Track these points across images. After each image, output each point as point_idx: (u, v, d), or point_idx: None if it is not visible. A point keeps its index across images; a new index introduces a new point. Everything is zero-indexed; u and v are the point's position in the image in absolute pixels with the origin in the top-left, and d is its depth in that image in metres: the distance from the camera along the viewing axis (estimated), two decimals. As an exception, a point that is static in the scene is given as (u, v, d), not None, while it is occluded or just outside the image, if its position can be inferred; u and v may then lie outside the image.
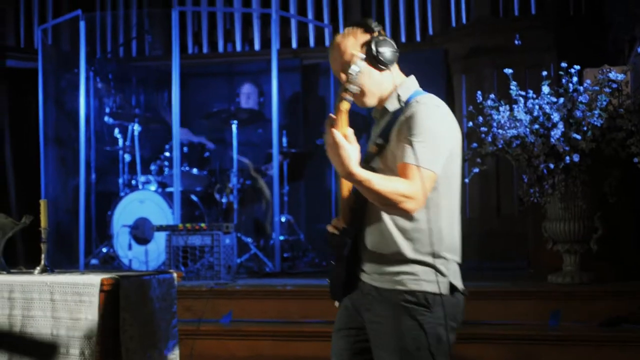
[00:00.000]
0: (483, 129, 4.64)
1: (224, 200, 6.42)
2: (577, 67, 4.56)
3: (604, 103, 4.44)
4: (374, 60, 2.33)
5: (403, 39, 7.41)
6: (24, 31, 7.80)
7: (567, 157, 4.42)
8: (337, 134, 2.13)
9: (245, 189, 6.54)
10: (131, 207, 6.25)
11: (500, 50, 6.48)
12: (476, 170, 4.79)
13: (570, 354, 4.07)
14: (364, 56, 2.14)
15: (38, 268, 3.12)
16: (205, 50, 7.97)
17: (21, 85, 7.41)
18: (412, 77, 2.44)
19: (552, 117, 4.47)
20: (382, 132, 2.34)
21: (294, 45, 7.72)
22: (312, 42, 7.68)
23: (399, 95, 2.32)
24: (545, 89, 4.58)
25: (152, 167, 6.53)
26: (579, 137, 4.40)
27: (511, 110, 4.59)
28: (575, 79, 4.53)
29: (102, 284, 2.88)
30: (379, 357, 2.34)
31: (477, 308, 4.36)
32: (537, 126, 4.52)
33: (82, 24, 6.31)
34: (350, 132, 2.16)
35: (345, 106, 2.16)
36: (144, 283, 3.08)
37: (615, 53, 6.21)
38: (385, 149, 2.30)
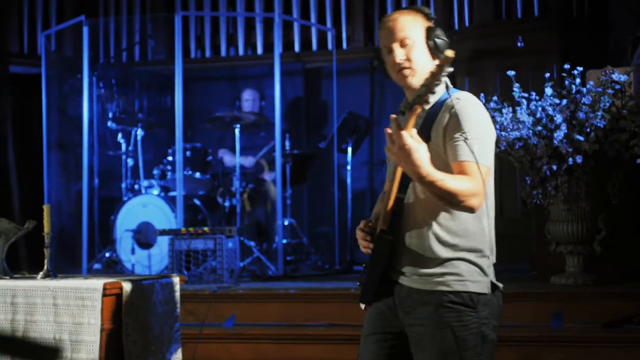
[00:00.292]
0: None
1: (227, 204, 6.43)
2: (580, 68, 4.55)
3: (607, 104, 4.43)
4: (432, 44, 2.33)
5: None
6: (27, 37, 7.82)
7: (570, 159, 4.42)
8: (409, 137, 2.06)
9: (248, 192, 6.54)
10: (134, 211, 6.26)
11: (503, 52, 6.48)
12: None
13: (573, 355, 4.06)
14: (452, 54, 2.04)
15: (41, 273, 3.12)
16: (208, 54, 7.98)
17: (24, 91, 7.43)
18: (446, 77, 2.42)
19: (555, 118, 4.46)
20: (421, 129, 2.28)
21: (297, 49, 7.73)
22: (314, 46, 7.69)
23: (447, 86, 2.23)
24: (548, 90, 4.57)
25: (155, 172, 6.54)
26: (582, 138, 4.40)
27: (514, 112, 4.59)
28: (578, 80, 4.53)
29: (105, 289, 2.89)
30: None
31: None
32: (540, 128, 4.51)
33: (85, 30, 6.32)
34: (414, 131, 2.10)
35: (420, 110, 2.11)
36: (147, 287, 3.09)
37: (618, 54, 6.20)
38: (427, 147, 2.23)
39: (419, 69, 2.33)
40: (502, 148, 4.62)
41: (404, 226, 2.31)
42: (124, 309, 2.93)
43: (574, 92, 4.52)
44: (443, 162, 2.23)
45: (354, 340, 4.20)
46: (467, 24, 7.13)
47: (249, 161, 6.73)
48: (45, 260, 3.14)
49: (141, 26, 8.03)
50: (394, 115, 2.09)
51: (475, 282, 2.28)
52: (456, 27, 7.24)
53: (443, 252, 2.28)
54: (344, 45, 7.63)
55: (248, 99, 6.80)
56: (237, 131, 6.37)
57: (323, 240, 7.06)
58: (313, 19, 7.65)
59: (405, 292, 2.33)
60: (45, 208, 3.13)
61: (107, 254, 6.41)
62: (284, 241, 6.32)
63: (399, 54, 2.33)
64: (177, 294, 3.27)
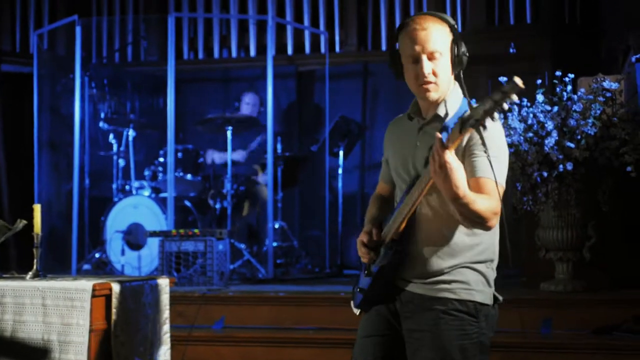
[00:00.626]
0: (477, 136, 4.64)
1: (217, 206, 6.42)
2: (572, 75, 4.57)
3: (598, 112, 4.45)
4: (456, 60, 2.32)
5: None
6: (19, 36, 7.80)
7: (561, 166, 4.43)
8: (452, 156, 2.05)
9: (239, 195, 6.53)
10: (125, 212, 6.24)
11: (495, 58, 6.50)
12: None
13: (562, 362, 4.08)
14: (521, 84, 2.00)
15: (30, 273, 3.11)
16: (200, 56, 7.98)
17: (16, 90, 7.40)
18: (457, 85, 2.40)
19: (546, 125, 4.48)
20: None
21: (290, 51, 7.74)
22: (307, 49, 7.70)
23: (469, 103, 2.21)
24: (540, 97, 4.59)
25: (146, 173, 6.53)
26: (572, 145, 4.41)
27: (505, 118, 4.60)
28: (569, 87, 4.54)
29: (94, 290, 2.88)
30: None
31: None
32: (531, 134, 4.53)
33: (78, 29, 6.31)
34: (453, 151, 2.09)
35: (469, 133, 2.05)
36: (137, 289, 3.08)
37: (610, 62, 6.23)
38: None
39: (443, 84, 2.32)
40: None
41: (417, 237, 2.31)
42: (113, 310, 2.92)
43: (565, 99, 4.54)
44: None
45: (343, 344, 4.22)
46: (460, 29, 7.15)
47: (240, 155, 6.73)
48: (35, 260, 3.12)
49: (134, 27, 8.02)
50: (439, 135, 2.07)
51: (480, 292, 2.30)
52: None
53: (452, 261, 2.29)
54: (337, 49, 7.64)
55: (249, 103, 6.78)
56: (229, 133, 6.36)
57: (313, 243, 7.06)
58: (306, 21, 7.66)
59: (407, 297, 2.33)
60: (36, 208, 3.12)
61: (97, 255, 6.39)
62: (275, 244, 6.32)
63: (427, 67, 2.30)
64: (167, 296, 3.27)
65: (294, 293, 5.07)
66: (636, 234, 4.85)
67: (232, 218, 6.33)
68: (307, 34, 7.68)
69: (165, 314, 3.25)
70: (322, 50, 7.31)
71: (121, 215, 6.24)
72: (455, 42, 2.33)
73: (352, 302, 2.54)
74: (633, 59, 4.49)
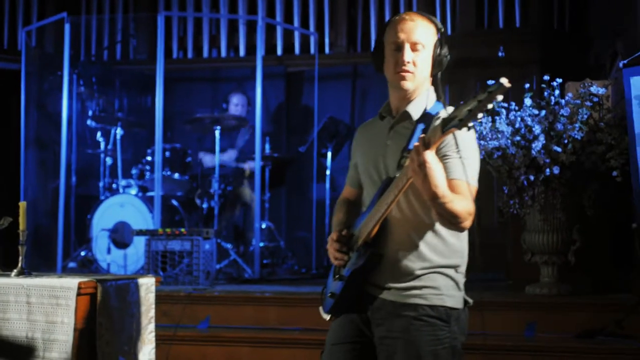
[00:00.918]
0: (464, 139, 4.66)
1: (204, 205, 6.41)
2: (559, 80, 4.59)
3: (585, 116, 4.48)
4: (438, 58, 2.35)
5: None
6: (7, 32, 7.77)
7: (548, 170, 4.45)
8: (432, 156, 2.06)
9: (226, 195, 6.52)
10: (111, 210, 6.22)
11: (484, 62, 6.52)
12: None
13: (546, 365, 4.10)
14: (508, 84, 1.98)
15: (15, 270, 3.09)
16: (190, 55, 7.97)
17: (3, 87, 7.37)
18: (432, 89, 2.42)
19: (533, 129, 4.50)
20: (409, 140, 2.28)
21: (279, 52, 7.74)
22: (297, 50, 7.70)
23: (444, 103, 2.25)
24: (528, 101, 4.61)
25: (133, 171, 6.52)
26: (559, 149, 4.43)
27: (493, 121, 4.62)
28: (557, 92, 4.57)
29: (79, 288, 2.87)
30: None
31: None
32: (518, 138, 4.55)
33: (67, 27, 6.28)
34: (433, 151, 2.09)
35: (454, 131, 2.03)
36: (122, 287, 3.07)
37: (597, 67, 6.28)
38: None
39: (419, 76, 2.35)
40: (481, 157, 4.64)
41: (387, 241, 2.31)
42: (98, 308, 2.91)
43: (552, 103, 4.56)
44: None
45: (328, 345, 4.22)
46: (449, 32, 7.17)
47: (229, 155, 6.72)
48: (20, 258, 3.11)
49: (123, 25, 8.00)
50: (423, 135, 2.08)
51: (451, 296, 2.31)
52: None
53: (423, 266, 2.29)
54: (327, 50, 7.65)
55: (237, 104, 6.78)
56: (217, 133, 6.36)
57: (300, 244, 7.06)
58: (296, 22, 7.66)
59: (378, 304, 2.33)
60: (21, 205, 3.11)
61: (83, 253, 6.37)
62: (261, 244, 6.31)
63: (408, 55, 2.33)
64: (152, 295, 3.26)
65: (280, 293, 5.07)
66: (621, 238, 4.88)
67: (218, 218, 6.32)
68: (296, 34, 7.69)
69: (151, 313, 3.24)
70: (312, 51, 7.32)
71: (108, 214, 6.22)
72: (439, 42, 2.36)
73: (320, 308, 2.51)
74: (620, 64, 4.51)
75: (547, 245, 4.68)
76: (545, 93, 4.59)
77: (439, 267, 2.29)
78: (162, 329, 4.00)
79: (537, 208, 4.64)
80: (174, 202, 6.39)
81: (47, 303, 2.89)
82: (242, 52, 7.81)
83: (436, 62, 2.35)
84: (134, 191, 6.40)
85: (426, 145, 2.05)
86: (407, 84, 2.34)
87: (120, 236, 6.14)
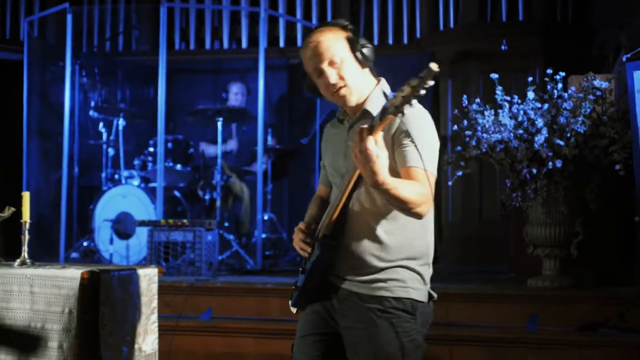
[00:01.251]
0: (467, 132, 4.67)
1: (207, 196, 6.42)
2: (562, 73, 4.59)
3: (588, 110, 4.47)
4: (359, 55, 2.32)
5: (391, 41, 7.43)
6: (9, 23, 7.76)
7: (550, 163, 4.45)
8: (373, 143, 2.03)
9: (228, 187, 6.53)
10: (113, 201, 6.23)
11: (487, 55, 6.52)
12: (459, 173, 4.82)
13: (547, 357, 4.10)
14: (436, 68, 1.97)
15: (18, 260, 3.10)
16: (192, 46, 7.97)
17: (5, 78, 7.37)
18: (383, 79, 2.42)
19: (536, 122, 4.49)
20: None
21: (282, 44, 7.73)
22: (299, 42, 7.68)
23: (385, 95, 2.22)
24: (530, 94, 4.60)
25: (136, 162, 6.52)
26: (562, 143, 4.43)
27: (496, 114, 4.62)
28: (560, 85, 4.56)
29: (82, 278, 2.88)
30: None
31: (457, 310, 4.39)
32: (521, 131, 4.54)
33: (69, 17, 6.28)
34: (380, 136, 2.06)
35: (390, 119, 2.04)
36: (125, 278, 3.08)
37: (600, 61, 6.27)
38: None
39: (354, 85, 2.33)
40: (484, 150, 4.65)
41: (348, 233, 2.32)
42: (101, 298, 2.92)
43: (555, 96, 4.55)
44: (392, 168, 2.22)
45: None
46: (452, 25, 7.16)
47: (232, 145, 6.72)
48: (23, 248, 3.12)
49: (126, 16, 7.99)
50: (365, 126, 2.06)
51: (416, 289, 2.31)
52: (441, 28, 7.27)
53: (385, 259, 2.29)
54: (329, 43, 7.62)
55: (237, 92, 6.78)
56: (219, 124, 6.36)
57: (302, 236, 7.05)
58: (299, 14, 7.65)
59: (344, 294, 2.34)
60: (25, 196, 3.11)
61: (85, 243, 6.38)
62: (263, 236, 6.32)
63: (332, 76, 2.32)
64: (155, 286, 3.26)
65: (282, 285, 5.07)
66: (623, 231, 4.89)
67: (220, 209, 6.33)
68: (299, 26, 7.67)
69: (153, 303, 3.24)
70: (314, 43, 7.29)
71: (110, 204, 6.23)
72: (349, 40, 2.33)
73: (290, 301, 2.53)
74: (624, 58, 4.50)
75: (550, 238, 4.69)
76: (548, 86, 4.58)
77: (402, 259, 2.30)
78: (164, 319, 4.01)
79: (540, 201, 4.64)
80: (176, 193, 6.39)
81: (50, 293, 2.90)
82: (244, 44, 7.80)
83: (360, 58, 2.33)
84: (136, 182, 6.41)
85: (368, 132, 2.04)
86: (349, 98, 2.35)
87: (123, 227, 6.15)
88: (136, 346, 3.11)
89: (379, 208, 2.29)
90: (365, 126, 2.04)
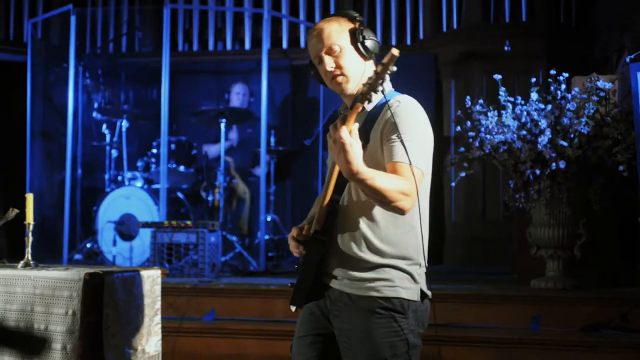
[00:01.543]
0: (471, 133, 4.67)
1: (210, 198, 6.42)
2: (566, 74, 4.58)
3: (591, 111, 4.47)
4: (360, 47, 2.33)
5: (394, 42, 7.43)
6: (13, 24, 7.78)
7: (554, 164, 4.45)
8: (346, 132, 2.05)
9: (231, 188, 6.53)
10: (117, 203, 6.23)
11: (490, 56, 6.52)
12: (463, 174, 4.82)
13: (551, 358, 4.10)
14: (397, 53, 2.00)
15: (22, 262, 3.10)
16: (195, 48, 7.97)
17: (9, 79, 7.38)
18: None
19: (539, 123, 4.49)
20: (361, 131, 2.25)
21: (285, 45, 7.73)
22: (302, 43, 7.69)
23: (383, 90, 2.18)
24: (534, 95, 4.60)
25: (139, 164, 6.53)
26: (565, 144, 4.43)
27: (499, 115, 4.62)
28: (563, 86, 4.56)
29: (85, 280, 2.88)
30: None
31: (460, 311, 4.39)
32: (524, 132, 4.54)
33: (72, 19, 6.29)
34: (355, 127, 2.08)
35: (361, 108, 2.09)
36: (128, 279, 3.08)
37: (604, 62, 6.26)
38: (366, 149, 2.24)
39: (352, 74, 2.34)
40: (487, 151, 4.65)
41: (338, 228, 2.32)
42: (104, 300, 2.92)
43: (559, 97, 4.55)
44: (380, 165, 2.23)
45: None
46: (455, 26, 7.16)
47: (231, 142, 6.73)
48: (27, 250, 3.12)
49: (129, 17, 8.00)
50: (341, 112, 2.09)
51: (405, 288, 2.28)
52: (444, 29, 7.27)
53: (374, 257, 2.28)
54: (332, 44, 7.62)
55: (239, 93, 6.80)
56: (222, 125, 6.36)
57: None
58: (302, 15, 7.65)
59: (335, 295, 2.33)
60: (28, 197, 3.11)
61: (88, 245, 6.39)
62: (266, 237, 6.32)
63: (329, 63, 2.34)
64: (158, 287, 3.27)
65: (285, 286, 5.01)
66: (627, 233, 4.88)
67: (223, 210, 6.33)
68: (302, 27, 7.68)
69: (157, 305, 3.25)
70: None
71: (113, 206, 6.23)
72: (353, 31, 2.34)
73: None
74: (627, 59, 4.50)
75: (553, 239, 4.68)
76: (552, 87, 4.58)
77: (391, 258, 2.28)
78: (168, 321, 4.01)
79: (543, 202, 4.64)
80: (180, 195, 6.40)
81: (54, 295, 2.90)
82: (247, 45, 7.81)
83: (361, 51, 2.34)
84: (139, 183, 6.41)
85: (342, 122, 2.05)
86: (345, 86, 2.35)
87: (126, 228, 6.15)
88: (139, 348, 3.11)
89: (365, 205, 2.28)
90: (340, 111, 2.05)
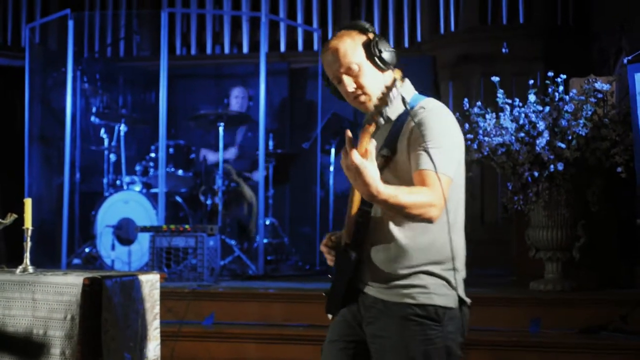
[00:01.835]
0: (469, 136, 4.67)
1: (208, 202, 6.42)
2: (564, 76, 4.59)
3: (589, 113, 4.47)
4: (377, 61, 2.29)
5: (391, 45, 7.42)
6: (11, 29, 7.77)
7: (552, 166, 4.45)
8: (357, 156, 1.99)
9: (230, 192, 6.53)
10: (115, 207, 6.23)
11: (488, 58, 6.52)
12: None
13: (550, 360, 4.10)
14: (399, 75, 1.98)
15: (20, 267, 3.10)
16: (193, 52, 7.97)
17: (7, 83, 7.38)
18: (407, 81, 2.37)
19: (537, 125, 4.50)
20: (387, 141, 2.25)
21: (283, 49, 7.73)
22: (300, 46, 7.70)
23: (403, 99, 2.19)
24: (532, 97, 4.60)
25: (137, 168, 6.52)
26: (563, 146, 4.43)
27: (497, 118, 4.62)
28: (561, 88, 4.56)
29: (84, 284, 2.87)
30: None
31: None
32: (522, 134, 4.54)
33: (70, 23, 6.29)
34: (372, 146, 2.02)
35: (372, 128, 2.04)
36: (127, 284, 3.08)
37: (601, 63, 6.26)
38: (393, 160, 2.22)
39: (373, 91, 2.28)
40: (485, 153, 4.65)
41: (370, 239, 2.28)
42: (103, 305, 2.92)
43: (556, 99, 4.56)
44: (410, 174, 2.20)
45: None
46: (453, 28, 7.16)
47: (231, 153, 6.73)
48: (25, 255, 3.11)
49: (127, 22, 8.00)
50: (349, 133, 2.03)
51: (440, 295, 2.25)
52: (442, 31, 7.27)
53: (409, 264, 2.25)
54: (330, 47, 7.62)
55: (238, 96, 6.80)
56: (221, 129, 6.36)
57: (304, 240, 7.06)
58: (300, 19, 7.65)
59: (370, 301, 2.30)
60: (27, 202, 3.11)
61: (87, 250, 6.38)
62: (265, 241, 6.32)
63: (349, 84, 2.30)
64: (157, 291, 3.26)
65: (284, 290, 5.07)
66: (625, 234, 4.88)
67: (222, 214, 6.33)
68: (300, 31, 7.68)
69: (156, 309, 3.24)
70: (315, 47, 7.32)
71: (112, 210, 6.23)
72: (367, 45, 2.30)
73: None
74: (625, 60, 4.51)
75: (552, 241, 4.68)
76: (550, 89, 4.59)
77: (425, 264, 2.25)
78: (167, 325, 4.01)
79: (542, 204, 4.64)
80: (178, 199, 6.40)
81: (52, 300, 2.90)
82: (245, 49, 7.81)
83: (378, 63, 2.30)
84: (138, 188, 6.41)
85: (351, 146, 2.01)
86: (368, 105, 2.31)
87: (125, 233, 6.15)
88: (139, 352, 3.11)
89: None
90: (349, 134, 2.02)
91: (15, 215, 3.18)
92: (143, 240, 5.90)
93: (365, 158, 2.01)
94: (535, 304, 4.52)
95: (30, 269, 3.09)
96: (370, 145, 2.02)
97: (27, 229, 3.09)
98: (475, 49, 6.78)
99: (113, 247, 6.12)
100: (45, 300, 2.90)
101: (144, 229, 5.69)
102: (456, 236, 2.28)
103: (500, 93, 4.65)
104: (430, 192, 2.12)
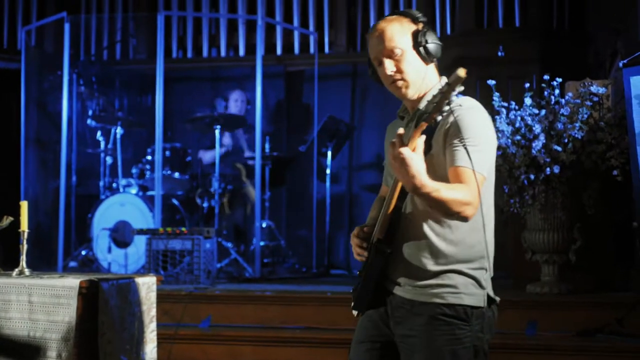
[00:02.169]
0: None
1: (205, 204, 6.42)
2: (559, 79, 4.60)
3: (585, 116, 4.49)
4: (422, 50, 2.29)
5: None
6: (7, 32, 7.76)
7: (548, 169, 4.46)
8: (407, 150, 2.03)
9: (226, 194, 6.53)
10: (112, 210, 6.23)
11: (484, 61, 6.52)
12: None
13: (546, 363, 4.11)
14: (464, 74, 2.01)
15: (16, 270, 3.10)
16: (189, 54, 7.97)
17: (3, 86, 7.37)
18: (445, 78, 2.35)
19: (533, 128, 4.51)
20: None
21: (279, 51, 7.74)
22: (296, 49, 7.70)
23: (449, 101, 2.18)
24: (528, 100, 4.61)
25: (134, 171, 6.52)
26: (559, 149, 4.44)
27: (493, 121, 4.62)
28: (557, 91, 4.58)
29: (80, 287, 2.88)
30: None
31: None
32: (518, 137, 4.55)
33: (66, 26, 6.29)
34: (420, 141, 2.06)
35: (425, 126, 2.06)
36: (123, 286, 3.08)
37: (597, 67, 6.28)
38: (428, 155, 2.20)
39: (412, 79, 2.30)
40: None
41: (401, 236, 2.28)
42: (100, 307, 2.92)
43: (552, 102, 4.57)
44: (444, 169, 2.21)
45: (330, 343, 4.23)
46: (448, 32, 7.17)
47: (225, 149, 6.75)
48: (21, 257, 3.11)
49: (123, 25, 8.00)
50: (401, 131, 2.05)
51: (470, 295, 2.26)
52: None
53: (439, 263, 2.25)
54: (326, 50, 7.65)
55: (237, 100, 6.80)
56: (217, 132, 6.36)
57: (301, 243, 7.07)
58: (296, 22, 7.66)
59: (398, 302, 2.30)
60: (23, 205, 3.11)
61: (83, 252, 6.38)
62: (262, 243, 6.32)
63: (389, 67, 2.29)
64: (154, 294, 3.26)
65: (281, 292, 5.07)
66: (621, 237, 4.89)
67: (219, 217, 6.32)
68: (296, 34, 7.68)
69: (152, 312, 3.24)
70: (311, 50, 7.32)
71: (108, 213, 6.23)
72: (415, 33, 2.30)
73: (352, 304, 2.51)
74: (620, 64, 4.52)
75: (548, 244, 4.69)
76: (546, 92, 4.60)
77: (456, 263, 2.25)
78: (163, 328, 4.01)
79: (538, 207, 4.65)
80: (175, 201, 6.39)
81: (49, 302, 2.90)
82: (241, 52, 7.81)
83: (422, 54, 2.30)
84: (134, 190, 6.41)
85: (401, 140, 2.04)
86: (404, 91, 2.32)
87: (121, 235, 6.15)
88: (135, 355, 3.11)
89: (431, 212, 2.24)
90: (401, 131, 2.05)
91: (11, 218, 3.18)
92: (139, 243, 5.90)
93: (414, 152, 2.05)
94: (531, 306, 4.52)
95: (27, 271, 3.09)
96: (419, 140, 2.05)
97: (24, 231, 3.10)
98: (471, 52, 6.78)
99: (109, 250, 6.12)
100: (42, 303, 2.90)
101: (141, 232, 5.69)
102: (489, 235, 2.30)
103: (496, 96, 4.66)
104: (467, 190, 2.14)
